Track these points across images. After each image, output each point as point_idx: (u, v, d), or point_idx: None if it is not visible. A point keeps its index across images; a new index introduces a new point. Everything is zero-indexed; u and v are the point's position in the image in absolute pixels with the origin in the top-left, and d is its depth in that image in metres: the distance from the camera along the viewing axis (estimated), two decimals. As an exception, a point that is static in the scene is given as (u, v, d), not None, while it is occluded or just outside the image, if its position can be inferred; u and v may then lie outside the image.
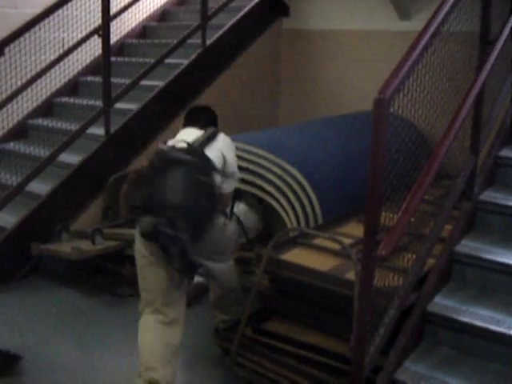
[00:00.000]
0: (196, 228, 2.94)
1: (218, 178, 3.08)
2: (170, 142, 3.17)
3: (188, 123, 3.38)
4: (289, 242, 3.50)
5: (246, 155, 4.10)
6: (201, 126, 3.28)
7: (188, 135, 3.20)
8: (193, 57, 5.23)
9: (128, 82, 4.98)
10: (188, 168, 2.95)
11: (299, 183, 3.94)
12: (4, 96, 4.87)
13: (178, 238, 2.84)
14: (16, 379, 3.34)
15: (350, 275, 2.97)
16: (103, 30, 4.63)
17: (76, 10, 5.12)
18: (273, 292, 3.42)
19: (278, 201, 4.02)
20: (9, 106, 4.89)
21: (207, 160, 3.03)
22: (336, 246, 3.28)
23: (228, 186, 3.23)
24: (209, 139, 3.16)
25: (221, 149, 3.17)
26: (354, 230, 3.63)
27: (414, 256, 2.90)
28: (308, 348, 3.06)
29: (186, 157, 2.98)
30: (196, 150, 3.04)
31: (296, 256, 3.32)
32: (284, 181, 3.97)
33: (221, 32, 5.47)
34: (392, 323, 2.73)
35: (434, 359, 2.87)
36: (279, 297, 3.41)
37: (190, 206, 2.91)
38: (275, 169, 3.99)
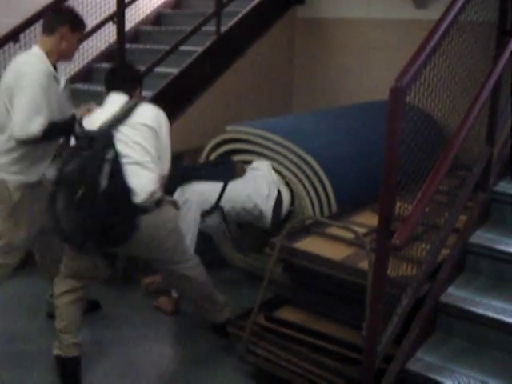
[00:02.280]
0: (109, 236, 2.91)
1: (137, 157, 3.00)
2: (85, 123, 3.12)
3: (111, 87, 3.28)
4: (302, 230, 3.50)
5: (261, 141, 4.10)
6: (126, 90, 3.24)
7: (107, 110, 3.13)
8: (207, 44, 5.22)
9: (142, 69, 4.97)
10: (71, 190, 2.81)
11: (314, 171, 3.94)
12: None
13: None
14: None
15: (363, 265, 2.97)
16: (118, 17, 4.61)
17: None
18: (285, 280, 3.42)
19: (295, 187, 4.02)
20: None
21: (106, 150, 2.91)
22: (350, 236, 3.27)
23: (161, 167, 3.16)
24: (126, 115, 3.07)
25: (148, 123, 3.09)
26: (368, 219, 3.63)
27: (428, 246, 2.89)
28: (320, 337, 3.06)
29: (73, 174, 2.84)
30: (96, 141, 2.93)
31: (309, 245, 3.32)
32: (299, 168, 3.97)
33: (235, 19, 5.44)
34: (405, 313, 2.73)
35: (446, 350, 2.86)
36: (292, 285, 3.42)
37: (88, 226, 2.84)
38: (291, 155, 3.98)
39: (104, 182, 2.79)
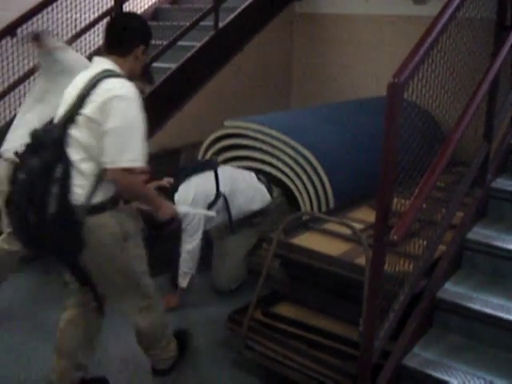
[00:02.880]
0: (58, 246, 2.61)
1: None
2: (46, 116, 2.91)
3: (107, 47, 2.77)
4: (300, 226, 3.50)
5: (259, 135, 4.10)
6: (119, 51, 2.71)
7: (74, 88, 2.67)
8: (205, 39, 5.21)
9: (140, 63, 4.97)
10: (20, 213, 2.51)
11: (312, 166, 3.94)
12: (17, 77, 4.86)
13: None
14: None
15: (361, 260, 2.97)
16: (116, 12, 4.61)
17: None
18: (283, 276, 3.42)
19: (292, 182, 4.02)
20: (21, 86, 4.88)
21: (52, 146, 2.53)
22: (347, 231, 3.27)
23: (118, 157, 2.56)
24: (81, 100, 2.58)
25: (90, 115, 2.56)
26: (366, 215, 3.63)
27: (425, 242, 2.90)
28: (317, 332, 3.07)
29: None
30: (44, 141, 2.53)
31: (307, 240, 3.32)
32: (297, 162, 3.97)
33: (233, 15, 5.43)
34: (401, 309, 2.73)
35: (442, 346, 2.87)
36: (289, 281, 3.42)
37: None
38: (289, 150, 3.99)
39: (53, 205, 2.45)
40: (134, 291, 2.83)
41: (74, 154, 2.55)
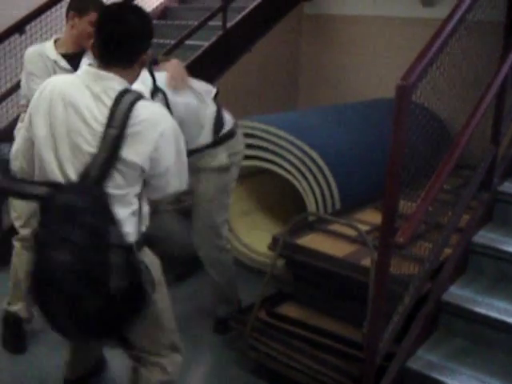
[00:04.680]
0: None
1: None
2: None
3: (104, 58, 2.15)
4: (305, 226, 3.50)
5: (265, 135, 4.10)
6: (125, 65, 2.15)
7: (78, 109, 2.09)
8: (213, 39, 5.21)
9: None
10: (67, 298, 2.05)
11: (319, 167, 3.93)
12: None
13: None
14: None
15: (366, 262, 2.97)
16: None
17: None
18: (287, 276, 3.42)
19: (299, 182, 4.02)
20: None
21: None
22: (352, 233, 3.27)
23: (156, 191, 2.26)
24: (122, 128, 2.05)
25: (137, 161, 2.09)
26: (371, 217, 3.63)
27: (431, 245, 2.89)
28: (321, 333, 3.06)
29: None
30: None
31: (312, 241, 3.32)
32: (304, 163, 3.97)
33: (242, 14, 5.43)
34: (406, 311, 2.73)
35: (447, 349, 2.86)
36: (294, 281, 3.42)
37: None
38: (295, 151, 3.98)
39: (116, 279, 2.02)
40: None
41: (113, 189, 2.08)
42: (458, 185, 3.50)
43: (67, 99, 2.11)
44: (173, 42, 5.12)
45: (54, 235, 2.01)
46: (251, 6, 5.51)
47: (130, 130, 2.05)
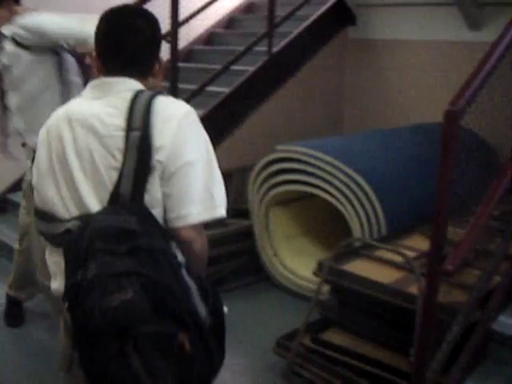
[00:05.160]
0: None
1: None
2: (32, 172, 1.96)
3: (109, 65, 1.85)
4: (351, 252, 3.47)
5: (311, 160, 4.09)
6: (141, 74, 1.87)
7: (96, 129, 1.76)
8: (259, 64, 5.25)
9: (193, 87, 5.03)
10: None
11: (364, 192, 3.91)
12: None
13: None
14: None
15: (412, 289, 2.93)
16: (172, 36, 4.68)
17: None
18: (332, 302, 3.39)
19: (344, 208, 4.00)
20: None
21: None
22: (399, 259, 3.23)
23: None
24: (146, 129, 1.72)
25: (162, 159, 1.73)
26: (418, 243, 3.58)
27: (480, 272, 2.84)
28: (366, 361, 3.02)
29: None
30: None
31: (357, 267, 3.29)
32: (350, 188, 3.95)
33: (287, 40, 5.47)
34: (454, 340, 2.67)
35: (497, 379, 2.80)
36: (339, 307, 3.39)
37: None
38: (341, 176, 3.97)
39: (201, 307, 1.70)
40: None
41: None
42: (508, 211, 3.43)
43: (74, 119, 1.79)
44: (218, 67, 5.17)
45: (106, 274, 1.53)
46: (296, 32, 5.53)
47: (154, 129, 1.72)
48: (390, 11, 5.91)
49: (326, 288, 3.41)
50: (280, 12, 5.46)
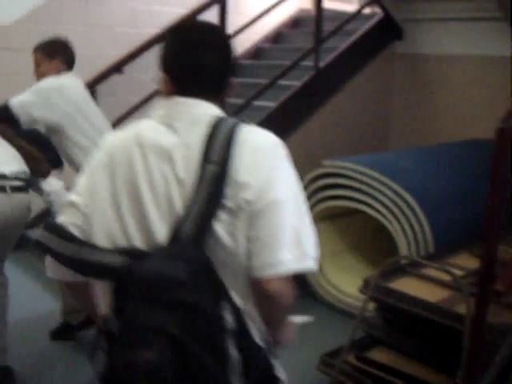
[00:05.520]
0: None
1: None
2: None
3: (183, 86, 1.65)
4: (397, 269, 3.43)
5: (358, 176, 4.08)
6: (215, 94, 1.68)
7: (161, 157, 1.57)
8: (305, 79, 5.25)
9: (240, 101, 5.06)
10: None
11: (411, 208, 3.87)
12: (123, 111, 5.04)
13: None
14: None
15: (460, 308, 2.86)
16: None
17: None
18: (378, 320, 3.35)
19: (391, 224, 3.96)
20: (126, 121, 5.06)
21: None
22: (446, 277, 3.17)
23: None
24: (224, 164, 1.52)
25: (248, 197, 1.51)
26: (466, 261, 3.51)
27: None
28: (411, 380, 2.97)
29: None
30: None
31: (404, 285, 3.24)
32: (397, 205, 3.91)
33: (334, 54, 5.47)
34: (504, 362, 2.61)
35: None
36: (384, 325, 3.34)
37: None
38: (388, 192, 3.94)
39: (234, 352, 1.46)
40: None
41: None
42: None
43: (146, 145, 1.59)
44: (265, 81, 5.19)
45: (136, 324, 1.37)
46: (343, 46, 5.53)
47: (237, 163, 1.52)
48: (438, 25, 5.86)
49: (371, 305, 3.38)
50: (326, 27, 5.47)
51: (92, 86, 4.54)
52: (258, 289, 1.54)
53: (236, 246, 1.52)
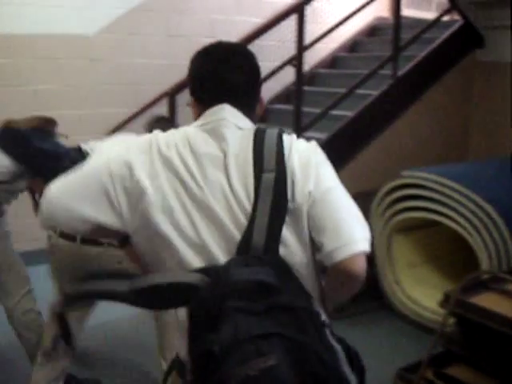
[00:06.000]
0: None
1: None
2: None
3: (208, 96, 1.69)
4: (479, 284, 3.34)
5: (438, 187, 4.00)
6: (250, 106, 1.72)
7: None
8: (383, 88, 5.19)
9: (317, 111, 5.04)
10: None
11: (493, 221, 3.77)
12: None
13: None
14: None
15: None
16: (298, 60, 4.72)
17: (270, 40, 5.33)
18: (458, 336, 3.27)
19: (471, 237, 3.87)
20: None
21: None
22: (531, 294, 3.08)
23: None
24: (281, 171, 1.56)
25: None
26: (551, 277, 3.40)
27: None
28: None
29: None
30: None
31: (486, 300, 3.15)
32: (478, 217, 3.82)
33: (413, 63, 5.38)
34: None
35: None
36: (464, 341, 3.26)
37: None
38: (469, 203, 3.84)
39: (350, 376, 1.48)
40: None
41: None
42: None
43: (200, 153, 1.58)
44: (341, 90, 5.16)
45: (245, 336, 1.32)
46: (422, 55, 5.44)
47: (289, 170, 1.56)
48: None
49: (451, 320, 3.30)
50: (404, 35, 5.40)
51: (172, 96, 4.61)
52: (340, 272, 1.55)
53: (303, 248, 1.56)
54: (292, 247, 1.54)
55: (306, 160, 1.59)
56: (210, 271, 1.46)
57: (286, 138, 1.62)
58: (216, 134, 1.60)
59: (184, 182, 1.55)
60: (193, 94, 1.71)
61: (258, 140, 1.58)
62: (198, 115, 1.69)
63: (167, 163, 1.56)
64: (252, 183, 1.53)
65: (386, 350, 3.97)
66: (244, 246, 1.49)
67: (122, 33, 5.63)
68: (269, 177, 1.52)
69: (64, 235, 2.85)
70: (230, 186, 1.54)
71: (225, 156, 1.57)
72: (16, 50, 5.17)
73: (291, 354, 1.30)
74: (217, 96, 1.66)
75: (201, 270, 1.48)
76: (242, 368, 1.27)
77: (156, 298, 1.51)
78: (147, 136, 1.66)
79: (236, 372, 1.27)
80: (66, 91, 5.29)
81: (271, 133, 1.61)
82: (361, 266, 1.54)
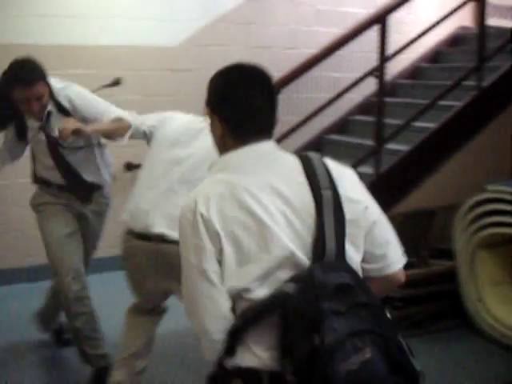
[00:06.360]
0: None
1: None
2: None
3: (243, 130, 1.76)
4: None
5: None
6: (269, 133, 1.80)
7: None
8: (467, 99, 5.07)
9: (399, 122, 4.96)
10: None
11: None
12: (283, 130, 5.06)
13: None
14: None
15: None
16: (380, 71, 4.66)
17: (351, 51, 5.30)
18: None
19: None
20: (283, 142, 5.10)
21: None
22: None
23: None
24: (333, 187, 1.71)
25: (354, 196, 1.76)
26: None
27: None
28: None
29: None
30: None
31: None
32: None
33: (498, 74, 5.23)
34: None
35: None
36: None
37: None
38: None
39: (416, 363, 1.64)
40: None
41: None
42: None
43: (250, 191, 1.67)
44: (423, 101, 5.07)
45: (344, 334, 1.49)
46: (508, 65, 5.29)
47: (340, 187, 1.71)
48: None
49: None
50: (488, 44, 5.27)
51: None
52: (391, 281, 1.85)
53: (357, 256, 1.72)
54: (350, 254, 1.68)
55: (353, 182, 1.79)
56: (301, 277, 1.59)
57: (327, 161, 1.77)
58: (273, 188, 1.68)
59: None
60: (213, 111, 1.79)
61: (307, 164, 1.72)
62: (221, 133, 1.76)
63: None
64: (311, 200, 1.67)
65: (467, 369, 3.86)
66: (321, 253, 1.63)
67: (205, 44, 5.70)
68: (328, 193, 1.67)
69: (141, 237, 2.98)
70: (291, 207, 1.67)
71: (280, 183, 1.69)
72: (100, 61, 5.32)
73: (379, 346, 1.51)
74: (241, 116, 1.75)
75: (291, 279, 1.60)
76: (345, 364, 1.46)
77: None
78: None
79: (341, 368, 1.45)
80: (150, 101, 5.38)
81: (315, 157, 1.76)
82: (403, 277, 1.86)
